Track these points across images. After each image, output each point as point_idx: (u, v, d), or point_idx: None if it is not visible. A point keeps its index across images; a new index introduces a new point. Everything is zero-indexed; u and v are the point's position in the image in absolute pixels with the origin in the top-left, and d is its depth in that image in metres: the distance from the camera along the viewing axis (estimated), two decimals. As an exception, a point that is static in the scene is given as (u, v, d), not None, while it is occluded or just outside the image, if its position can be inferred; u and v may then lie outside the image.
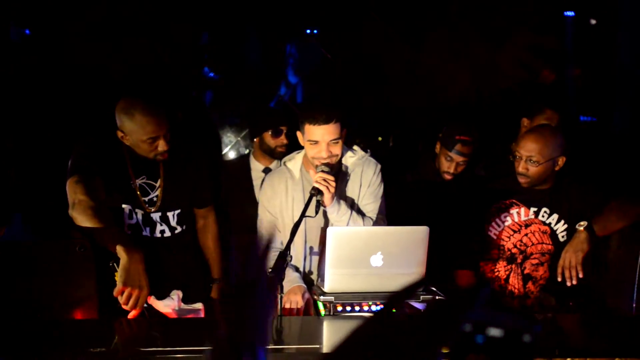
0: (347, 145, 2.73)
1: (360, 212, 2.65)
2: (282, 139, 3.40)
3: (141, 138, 2.51)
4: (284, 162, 2.76)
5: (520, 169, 2.74)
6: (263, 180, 3.39)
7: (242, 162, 3.57)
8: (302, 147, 2.66)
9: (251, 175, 3.48)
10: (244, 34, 4.15)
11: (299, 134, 2.60)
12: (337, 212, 2.51)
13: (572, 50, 4.28)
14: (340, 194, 2.62)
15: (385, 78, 4.29)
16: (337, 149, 2.53)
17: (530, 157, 2.70)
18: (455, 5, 4.18)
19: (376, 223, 2.65)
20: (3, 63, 3.77)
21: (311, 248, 2.65)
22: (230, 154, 4.17)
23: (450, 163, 3.16)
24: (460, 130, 3.16)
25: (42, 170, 3.67)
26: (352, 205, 2.65)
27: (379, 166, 2.74)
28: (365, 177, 2.69)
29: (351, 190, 2.68)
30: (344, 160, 2.69)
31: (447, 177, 3.20)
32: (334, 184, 2.43)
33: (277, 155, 3.42)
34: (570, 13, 4.32)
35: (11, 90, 3.78)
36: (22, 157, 3.80)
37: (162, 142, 2.54)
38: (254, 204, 3.38)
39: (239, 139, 4.12)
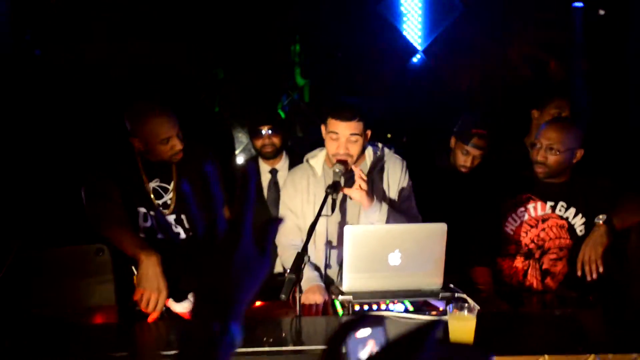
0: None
1: (397, 209, 2.65)
2: (264, 139, 3.33)
3: (156, 140, 2.52)
4: (307, 159, 2.76)
5: (540, 157, 2.72)
6: (270, 182, 3.40)
7: (252, 163, 3.55)
8: (322, 145, 2.66)
9: (260, 177, 3.46)
10: (253, 34, 4.14)
11: (322, 127, 2.60)
12: (378, 211, 2.51)
13: (581, 43, 4.24)
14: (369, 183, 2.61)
15: (394, 75, 4.27)
16: (355, 148, 2.52)
17: (550, 145, 2.69)
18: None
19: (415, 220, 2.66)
20: (13, 73, 3.78)
21: (332, 245, 2.64)
22: (242, 155, 4.16)
23: (466, 157, 3.16)
24: (476, 123, 3.15)
25: (56, 177, 3.69)
26: (386, 200, 2.64)
27: (405, 162, 2.75)
28: (393, 176, 2.69)
29: (377, 187, 2.67)
30: (368, 158, 2.69)
31: (464, 170, 3.19)
32: (365, 185, 2.42)
33: (265, 155, 3.36)
34: (579, 4, 4.27)
35: (22, 100, 3.79)
36: (35, 165, 3.81)
37: (177, 141, 2.56)
38: (263, 205, 3.38)
39: (249, 140, 4.11)
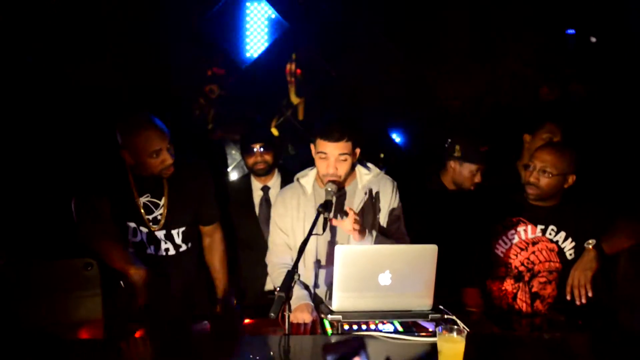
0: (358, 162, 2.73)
1: (385, 233, 2.67)
2: (256, 157, 3.34)
3: (146, 152, 2.51)
4: (297, 179, 2.76)
5: (532, 179, 2.75)
6: (262, 199, 3.40)
7: (245, 181, 3.55)
8: (314, 164, 2.66)
9: (252, 194, 3.46)
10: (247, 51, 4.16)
11: (312, 146, 2.61)
12: (370, 242, 2.54)
13: (574, 66, 4.29)
14: (361, 214, 2.64)
15: (386, 95, 4.29)
16: (344, 167, 2.53)
17: (544, 167, 2.72)
18: (456, 23, 4.19)
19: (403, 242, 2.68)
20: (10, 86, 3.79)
21: (321, 265, 2.63)
22: (234, 172, 4.16)
23: (477, 174, 3.27)
24: (480, 141, 3.28)
25: (46, 191, 3.67)
26: (376, 226, 2.66)
27: (395, 183, 2.75)
28: (384, 197, 2.69)
29: (368, 208, 2.67)
30: (359, 178, 2.70)
31: (472, 188, 3.30)
32: (357, 225, 2.43)
33: (257, 172, 3.37)
34: (571, 31, 4.33)
35: (14, 112, 3.79)
36: (24, 176, 3.79)
37: (167, 155, 2.56)
38: (255, 222, 3.38)
39: (242, 157, 4.11)
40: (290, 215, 2.68)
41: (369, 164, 2.77)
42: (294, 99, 4.28)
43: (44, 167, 3.80)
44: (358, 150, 2.61)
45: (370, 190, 2.69)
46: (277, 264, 2.68)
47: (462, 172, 3.27)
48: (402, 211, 2.77)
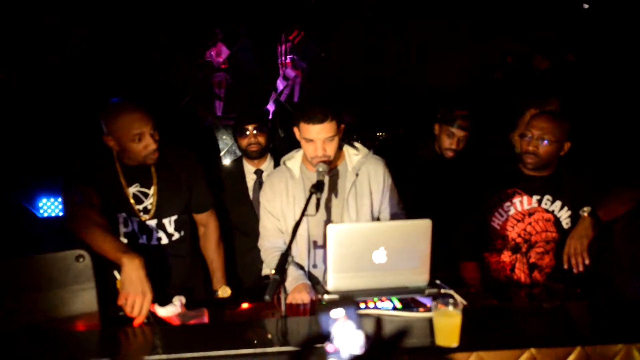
0: (345, 142, 2.71)
1: (382, 210, 2.69)
2: (250, 139, 3.32)
3: (128, 136, 2.49)
4: (284, 162, 2.74)
5: (531, 147, 2.74)
6: (255, 183, 3.38)
7: (237, 165, 3.53)
8: (300, 146, 2.64)
9: (245, 178, 3.45)
10: (238, 34, 4.12)
11: (295, 130, 2.57)
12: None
13: (566, 36, 4.25)
14: (353, 192, 2.63)
15: (379, 74, 4.25)
16: (332, 147, 2.50)
17: (542, 135, 2.71)
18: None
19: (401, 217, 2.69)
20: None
21: (315, 243, 2.62)
22: (226, 157, 4.14)
23: (452, 139, 3.26)
24: (458, 105, 3.27)
25: (36, 183, 3.65)
26: (371, 210, 2.65)
27: (384, 161, 2.74)
28: (375, 177, 2.68)
29: (360, 188, 2.65)
30: (347, 158, 2.67)
31: (450, 154, 3.28)
32: None
33: (251, 155, 3.36)
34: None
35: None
36: (16, 170, 3.77)
37: (150, 141, 2.53)
38: (249, 206, 3.37)
39: (234, 141, 4.09)
40: (279, 199, 2.66)
41: (357, 144, 2.74)
42: (285, 80, 4.25)
43: (33, 161, 3.77)
44: (343, 126, 2.58)
45: (362, 168, 2.67)
46: (269, 248, 2.67)
47: (441, 135, 3.31)
48: (395, 186, 2.76)
